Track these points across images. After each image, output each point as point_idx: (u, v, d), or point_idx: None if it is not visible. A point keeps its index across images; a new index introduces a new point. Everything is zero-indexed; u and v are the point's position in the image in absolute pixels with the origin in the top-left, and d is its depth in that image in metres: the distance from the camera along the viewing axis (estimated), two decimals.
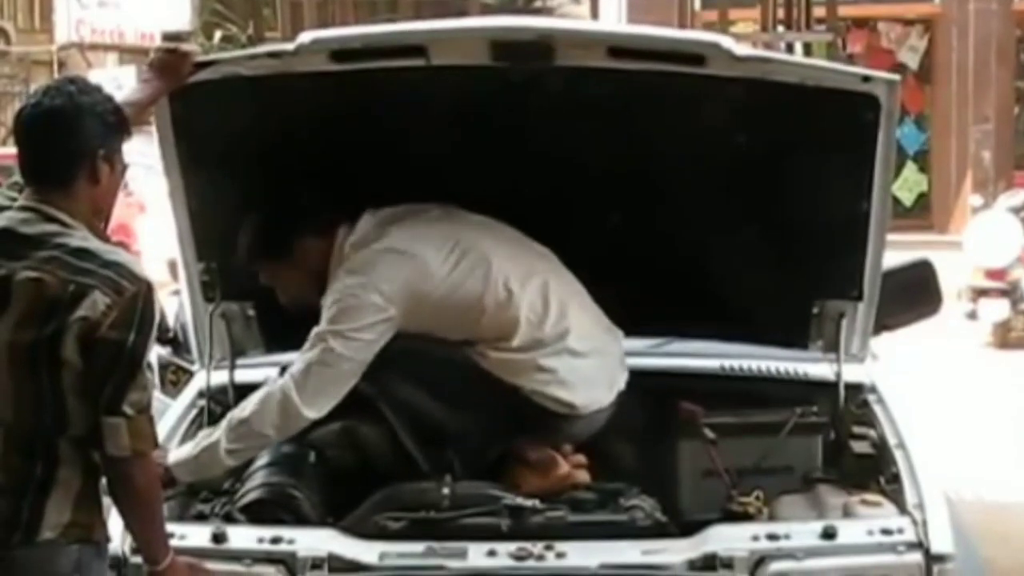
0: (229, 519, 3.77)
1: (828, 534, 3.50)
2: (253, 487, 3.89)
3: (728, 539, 3.53)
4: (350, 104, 3.94)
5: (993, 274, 12.05)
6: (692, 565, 3.46)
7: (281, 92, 3.94)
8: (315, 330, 3.85)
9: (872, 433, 4.17)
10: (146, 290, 3.12)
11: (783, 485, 4.10)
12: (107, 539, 3.27)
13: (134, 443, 3.12)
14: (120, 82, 11.68)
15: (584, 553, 3.49)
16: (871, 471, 4.01)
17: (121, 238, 9.24)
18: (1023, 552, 5.46)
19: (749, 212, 4.14)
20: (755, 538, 3.51)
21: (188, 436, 4.16)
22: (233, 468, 3.93)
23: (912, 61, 19.27)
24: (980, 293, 12.10)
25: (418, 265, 3.93)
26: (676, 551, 3.50)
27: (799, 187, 4.03)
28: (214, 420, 4.22)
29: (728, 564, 3.43)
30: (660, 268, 4.23)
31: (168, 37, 11.26)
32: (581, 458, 4.09)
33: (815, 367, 4.43)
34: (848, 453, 4.15)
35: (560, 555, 3.49)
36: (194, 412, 4.28)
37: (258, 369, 4.54)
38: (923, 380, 6.55)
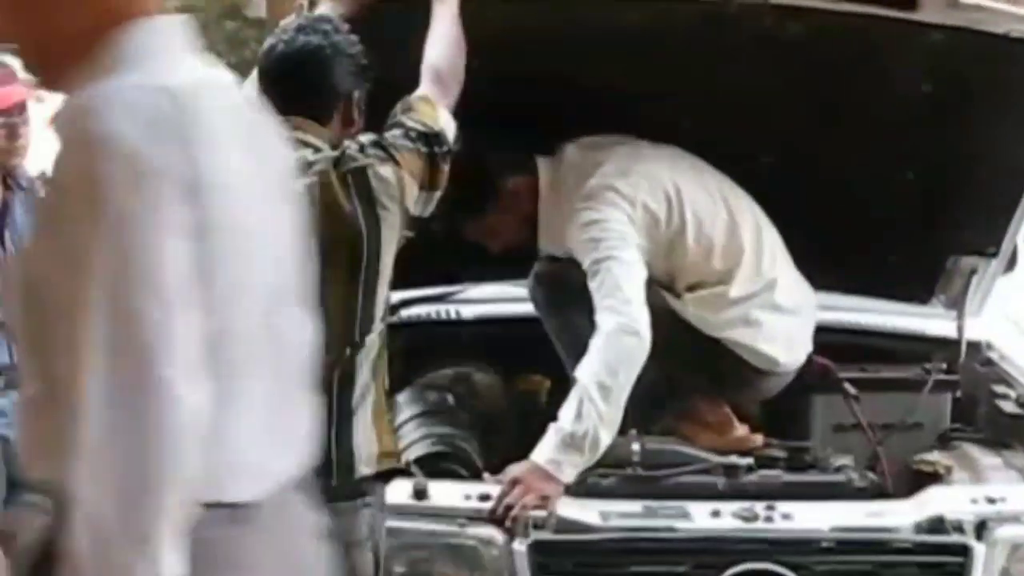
0: (403, 472, 3.47)
1: None
2: (419, 438, 3.60)
3: (950, 501, 3.40)
4: (526, 31, 3.62)
5: None
6: (919, 528, 3.32)
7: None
8: (587, 263, 3.53)
9: (1012, 393, 4.12)
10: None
11: (917, 442, 4.02)
12: None
13: None
14: None
15: (811, 514, 3.33)
16: (1017, 431, 3.96)
17: None
18: None
19: (906, 163, 4.01)
20: (974, 501, 3.40)
21: None
22: None
23: None
24: None
25: (655, 185, 3.69)
26: (900, 513, 3.37)
27: (966, 139, 3.90)
28: None
29: (959, 527, 3.29)
30: (804, 214, 4.06)
31: None
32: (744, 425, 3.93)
33: (931, 323, 4.36)
34: (993, 412, 4.08)
35: (786, 516, 3.31)
36: None
37: None
38: None
